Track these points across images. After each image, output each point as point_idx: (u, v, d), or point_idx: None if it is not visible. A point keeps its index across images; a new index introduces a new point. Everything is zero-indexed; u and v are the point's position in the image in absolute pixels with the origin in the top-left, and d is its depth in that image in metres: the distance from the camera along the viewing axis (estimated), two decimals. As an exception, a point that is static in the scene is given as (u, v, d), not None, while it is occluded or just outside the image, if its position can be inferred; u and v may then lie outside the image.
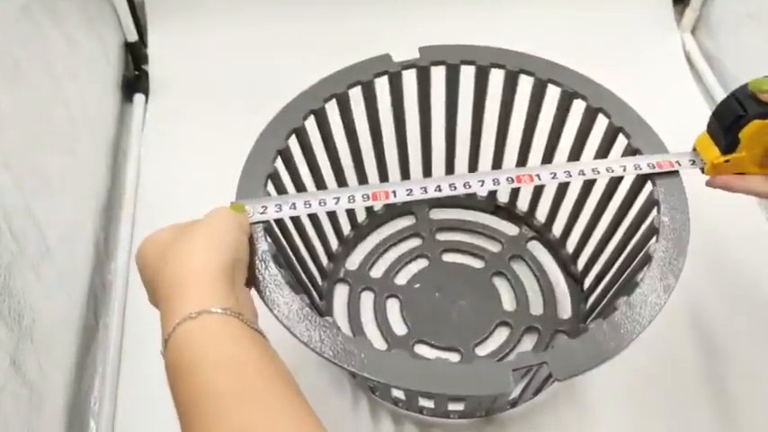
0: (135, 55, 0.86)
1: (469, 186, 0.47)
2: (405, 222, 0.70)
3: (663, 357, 0.59)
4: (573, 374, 0.39)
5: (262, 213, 0.46)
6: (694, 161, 0.48)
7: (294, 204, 0.47)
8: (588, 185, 0.59)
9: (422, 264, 0.66)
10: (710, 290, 0.64)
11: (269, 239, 0.45)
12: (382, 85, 0.57)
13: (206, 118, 0.80)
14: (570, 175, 0.48)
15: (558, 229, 0.66)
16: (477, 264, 0.66)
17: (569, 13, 0.90)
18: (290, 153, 0.53)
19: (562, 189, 0.63)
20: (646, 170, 0.48)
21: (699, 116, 0.78)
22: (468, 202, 0.70)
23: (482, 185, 0.48)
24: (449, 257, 0.67)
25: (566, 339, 0.41)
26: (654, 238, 0.45)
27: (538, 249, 0.67)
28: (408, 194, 0.47)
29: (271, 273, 0.43)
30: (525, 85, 0.57)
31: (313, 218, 0.60)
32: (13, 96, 0.55)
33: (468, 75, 0.58)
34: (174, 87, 0.84)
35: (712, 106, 0.80)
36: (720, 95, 0.81)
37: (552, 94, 0.56)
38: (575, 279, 0.64)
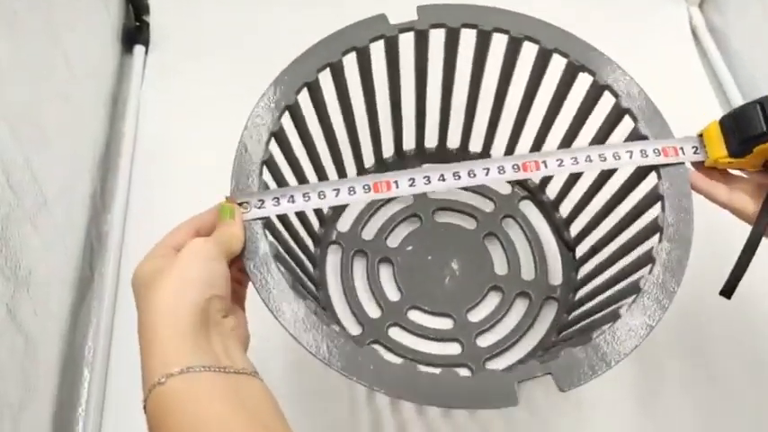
0: (136, 5, 0.81)
1: (474, 175, 0.46)
2: (396, 180, 0.68)
3: (654, 359, 0.60)
4: (577, 385, 0.40)
5: (260, 208, 0.44)
6: (697, 148, 0.47)
7: (293, 197, 0.45)
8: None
9: (414, 224, 0.66)
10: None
11: (269, 237, 0.44)
12: (378, 49, 0.54)
13: (206, 70, 0.77)
14: (577, 162, 0.47)
15: (552, 191, 0.65)
16: (469, 224, 0.66)
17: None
18: (284, 134, 0.50)
19: (568, 140, 0.61)
20: (651, 157, 0.47)
21: (700, 91, 0.78)
22: (462, 157, 0.68)
23: (487, 174, 0.46)
24: (441, 217, 0.66)
25: (570, 350, 0.41)
26: (657, 237, 0.45)
27: (530, 210, 0.67)
28: (411, 185, 0.46)
29: (274, 277, 0.42)
30: (529, 52, 0.54)
31: (303, 179, 0.58)
32: (12, 46, 0.52)
33: (468, 39, 0.55)
34: (175, 39, 0.80)
35: (714, 82, 0.79)
36: (723, 72, 0.79)
37: (557, 66, 0.53)
38: (567, 245, 0.64)
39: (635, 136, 0.49)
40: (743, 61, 0.78)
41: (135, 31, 0.80)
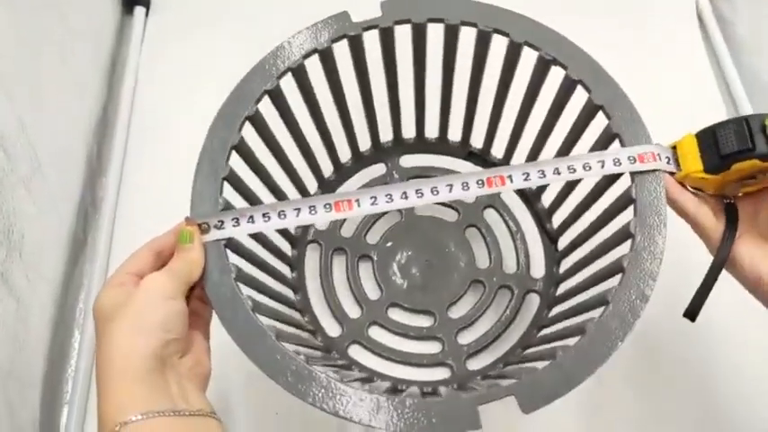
0: None
1: (437, 192, 0.45)
2: (374, 172, 0.66)
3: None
4: (539, 406, 0.39)
5: (220, 229, 0.44)
6: (669, 159, 0.45)
7: (252, 218, 0.44)
8: (569, 143, 0.56)
9: (394, 218, 0.65)
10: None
11: (231, 258, 0.43)
12: (342, 50, 0.52)
13: (207, 34, 0.77)
14: (544, 175, 0.45)
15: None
16: (450, 216, 0.64)
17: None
18: (246, 146, 0.49)
19: (541, 139, 0.59)
20: (625, 164, 0.45)
21: (701, 80, 0.75)
22: (441, 147, 0.66)
23: (450, 191, 0.45)
24: (422, 210, 0.65)
25: (533, 369, 0.40)
26: (630, 241, 0.44)
27: (512, 199, 0.65)
28: (373, 203, 0.45)
29: (246, 320, 0.41)
30: (499, 46, 0.52)
31: (273, 186, 0.57)
32: (8, 7, 0.52)
33: (436, 34, 0.52)
34: (176, 1, 0.80)
35: (717, 70, 0.77)
36: (727, 60, 0.76)
37: (529, 59, 0.51)
38: (549, 236, 0.63)
39: (608, 135, 0.48)
40: (747, 49, 0.76)
41: (135, -7, 0.78)
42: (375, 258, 0.62)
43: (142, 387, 0.35)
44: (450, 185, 0.45)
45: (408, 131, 0.65)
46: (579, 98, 0.50)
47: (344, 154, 0.64)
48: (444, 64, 0.56)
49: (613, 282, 0.43)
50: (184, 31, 0.78)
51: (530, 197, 0.64)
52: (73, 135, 0.65)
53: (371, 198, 0.45)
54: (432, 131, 0.65)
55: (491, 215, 0.65)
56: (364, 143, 0.65)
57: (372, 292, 0.62)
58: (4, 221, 0.50)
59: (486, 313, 0.60)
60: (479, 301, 0.61)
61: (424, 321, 0.61)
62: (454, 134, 0.65)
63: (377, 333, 0.60)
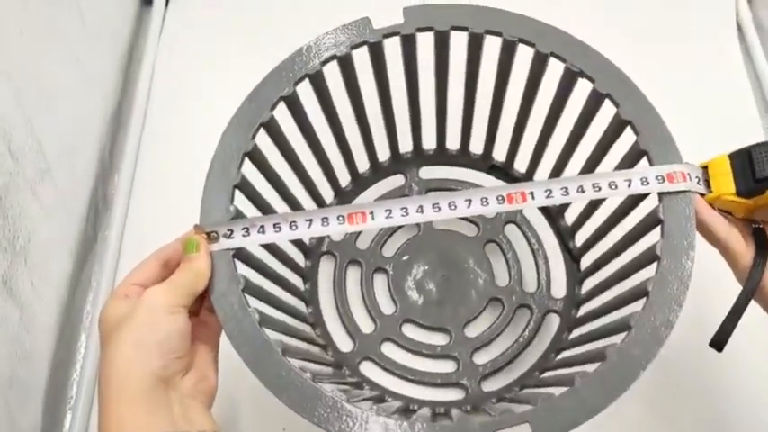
0: None
1: (455, 207, 0.43)
2: (393, 184, 0.65)
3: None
4: (557, 435, 0.37)
5: (229, 238, 0.42)
6: (699, 179, 0.42)
7: (263, 228, 0.43)
8: (595, 160, 0.54)
9: (412, 231, 0.63)
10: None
11: (239, 268, 0.42)
12: (362, 57, 0.51)
13: (227, 28, 0.75)
14: (567, 193, 0.43)
15: (557, 196, 0.61)
16: (469, 231, 0.63)
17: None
18: (260, 154, 0.47)
19: (564, 156, 0.57)
20: (654, 184, 0.43)
21: (738, 92, 0.72)
22: (462, 159, 0.65)
23: (469, 206, 0.43)
24: (440, 224, 0.63)
25: (550, 395, 0.38)
26: (655, 264, 0.42)
27: (534, 215, 0.63)
28: (387, 217, 0.43)
29: (252, 333, 0.39)
30: (525, 57, 0.50)
31: (287, 195, 0.56)
32: (21, 2, 0.51)
33: (459, 43, 0.51)
34: None
35: (755, 82, 0.73)
36: (765, 72, 0.73)
37: (555, 71, 0.49)
38: (571, 254, 0.60)
39: (635, 151, 0.45)
40: None
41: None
42: (390, 272, 0.61)
43: (141, 406, 0.34)
44: (469, 200, 0.43)
45: (429, 143, 0.64)
46: (607, 112, 0.48)
47: (363, 164, 0.63)
48: (467, 74, 0.54)
49: (637, 306, 0.41)
50: (205, 21, 0.76)
51: (553, 214, 0.62)
52: (84, 132, 0.63)
53: (386, 211, 0.43)
54: (453, 143, 0.64)
55: (512, 231, 0.63)
56: (383, 153, 0.63)
57: (387, 306, 0.60)
58: (10, 227, 0.49)
59: (504, 333, 0.58)
60: (497, 319, 0.59)
61: (439, 339, 0.59)
62: (476, 146, 0.63)
63: (390, 349, 0.58)
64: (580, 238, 0.59)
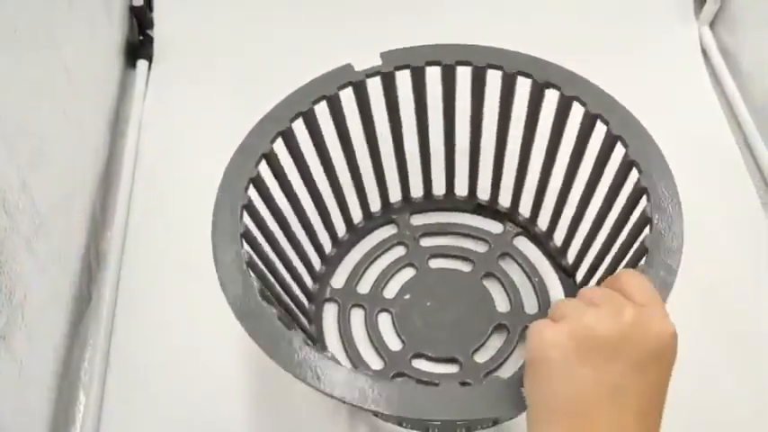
0: (140, 19, 0.82)
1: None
2: (386, 232, 0.67)
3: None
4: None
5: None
6: None
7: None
8: (570, 176, 0.58)
9: (409, 273, 0.64)
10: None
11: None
12: (348, 97, 0.56)
13: (210, 87, 0.78)
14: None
15: (543, 222, 0.64)
16: (465, 267, 0.64)
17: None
18: (262, 181, 0.50)
19: (543, 182, 0.61)
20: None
21: (708, 115, 0.75)
22: (448, 203, 0.68)
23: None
24: (436, 263, 0.65)
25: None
26: (647, 228, 0.44)
27: (525, 245, 0.66)
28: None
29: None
30: (495, 88, 0.55)
31: (293, 240, 0.58)
32: (11, 60, 0.53)
33: (434, 76, 0.56)
34: (179, 54, 0.82)
35: (724, 105, 0.76)
36: (734, 94, 0.76)
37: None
38: (566, 272, 0.62)
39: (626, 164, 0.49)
40: (753, 83, 0.76)
41: (138, 46, 0.81)
42: (394, 311, 0.61)
43: None
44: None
45: (416, 190, 0.67)
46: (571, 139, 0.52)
47: (357, 215, 0.66)
48: (444, 111, 0.59)
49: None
50: (187, 80, 0.78)
51: (542, 239, 0.65)
52: (76, 189, 0.64)
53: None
54: (438, 188, 0.67)
55: (506, 262, 0.65)
56: (374, 203, 0.66)
57: (393, 343, 0.60)
58: (7, 283, 0.49)
59: (513, 355, 0.59)
60: (504, 343, 0.59)
61: (449, 369, 0.58)
62: (461, 188, 0.67)
63: (402, 383, 0.57)
64: (571, 254, 0.62)
